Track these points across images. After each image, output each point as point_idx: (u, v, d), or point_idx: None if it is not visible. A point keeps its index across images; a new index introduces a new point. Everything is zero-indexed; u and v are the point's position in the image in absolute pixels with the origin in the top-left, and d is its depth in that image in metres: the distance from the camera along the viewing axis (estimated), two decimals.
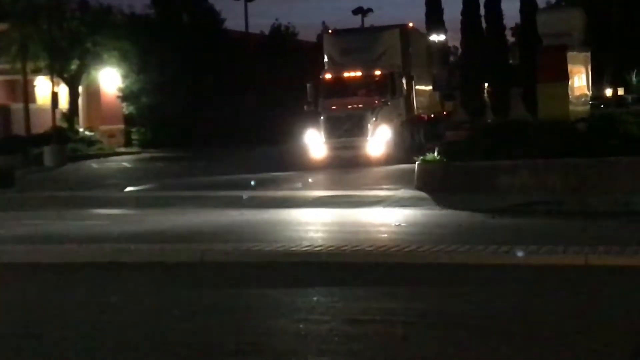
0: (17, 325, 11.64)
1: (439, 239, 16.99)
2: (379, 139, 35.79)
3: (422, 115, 42.15)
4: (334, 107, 36.50)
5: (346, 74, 37.64)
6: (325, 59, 39.61)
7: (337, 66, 38.45)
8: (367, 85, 37.21)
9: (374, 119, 35.94)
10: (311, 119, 37.61)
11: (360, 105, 36.42)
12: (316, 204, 25.17)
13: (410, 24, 41.99)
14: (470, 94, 59.89)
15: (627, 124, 26.98)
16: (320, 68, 39.62)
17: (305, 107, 38.93)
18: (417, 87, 41.02)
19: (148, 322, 11.59)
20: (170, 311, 12.12)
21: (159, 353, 10.09)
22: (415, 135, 40.06)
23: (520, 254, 14.66)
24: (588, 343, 9.81)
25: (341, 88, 37.08)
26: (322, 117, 36.40)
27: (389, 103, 36.74)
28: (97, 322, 11.66)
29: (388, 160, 35.16)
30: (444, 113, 48.29)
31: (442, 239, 16.94)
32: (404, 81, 38.10)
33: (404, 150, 36.57)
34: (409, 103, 39.46)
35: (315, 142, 36.24)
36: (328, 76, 37.89)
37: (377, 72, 37.29)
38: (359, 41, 39.53)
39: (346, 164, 34.99)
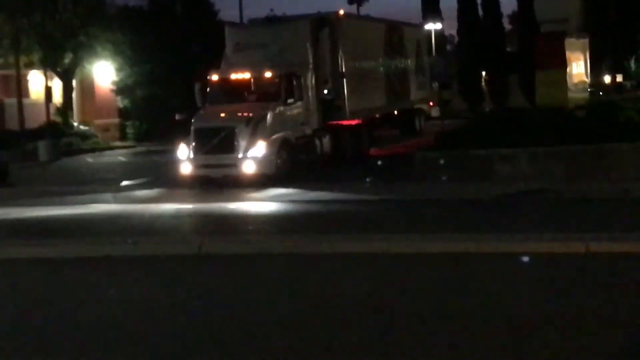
0: (20, 321, 11.73)
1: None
2: (254, 156, 28.71)
3: (371, 116, 35.85)
4: (204, 117, 30.29)
5: (233, 76, 31.10)
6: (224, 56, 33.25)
7: (228, 65, 32.12)
8: (257, 90, 30.69)
9: (251, 131, 28.91)
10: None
11: (233, 115, 29.67)
12: None
13: (341, 12, 34.71)
14: (467, 82, 59.73)
15: (627, 111, 26.79)
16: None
17: (176, 115, 34.38)
18: (368, 81, 35.71)
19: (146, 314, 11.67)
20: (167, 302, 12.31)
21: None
22: (344, 144, 33.54)
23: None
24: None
25: (228, 92, 30.83)
26: (191, 129, 29.81)
27: (275, 110, 29.94)
28: (101, 316, 11.78)
29: (264, 183, 28.16)
30: (431, 104, 43.64)
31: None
32: (305, 82, 31.58)
33: (296, 168, 29.87)
34: (337, 105, 32.95)
35: (183, 158, 29.58)
36: (214, 77, 31.40)
37: (268, 74, 30.61)
38: (254, 36, 32.83)
39: (202, 187, 28.72)
